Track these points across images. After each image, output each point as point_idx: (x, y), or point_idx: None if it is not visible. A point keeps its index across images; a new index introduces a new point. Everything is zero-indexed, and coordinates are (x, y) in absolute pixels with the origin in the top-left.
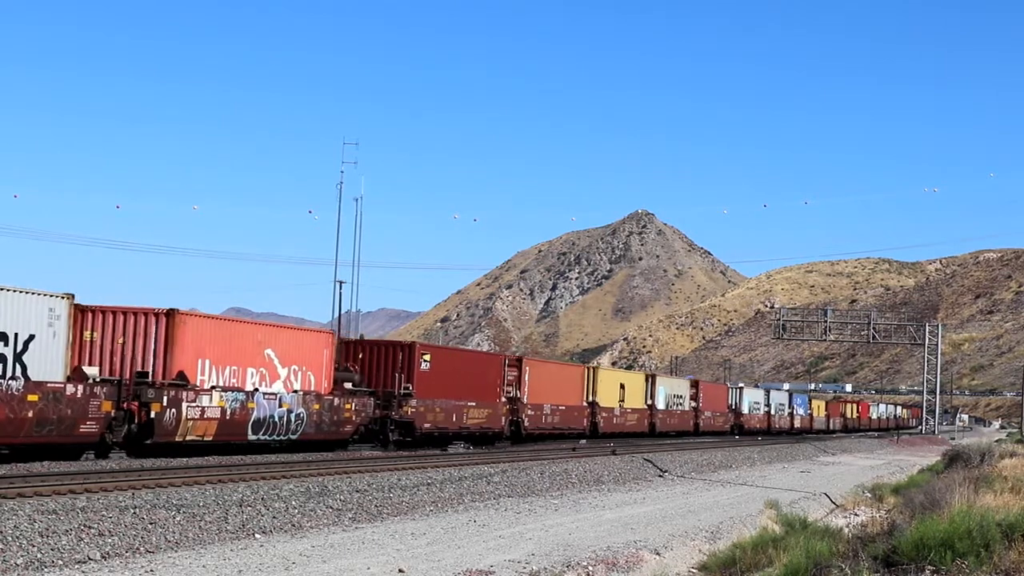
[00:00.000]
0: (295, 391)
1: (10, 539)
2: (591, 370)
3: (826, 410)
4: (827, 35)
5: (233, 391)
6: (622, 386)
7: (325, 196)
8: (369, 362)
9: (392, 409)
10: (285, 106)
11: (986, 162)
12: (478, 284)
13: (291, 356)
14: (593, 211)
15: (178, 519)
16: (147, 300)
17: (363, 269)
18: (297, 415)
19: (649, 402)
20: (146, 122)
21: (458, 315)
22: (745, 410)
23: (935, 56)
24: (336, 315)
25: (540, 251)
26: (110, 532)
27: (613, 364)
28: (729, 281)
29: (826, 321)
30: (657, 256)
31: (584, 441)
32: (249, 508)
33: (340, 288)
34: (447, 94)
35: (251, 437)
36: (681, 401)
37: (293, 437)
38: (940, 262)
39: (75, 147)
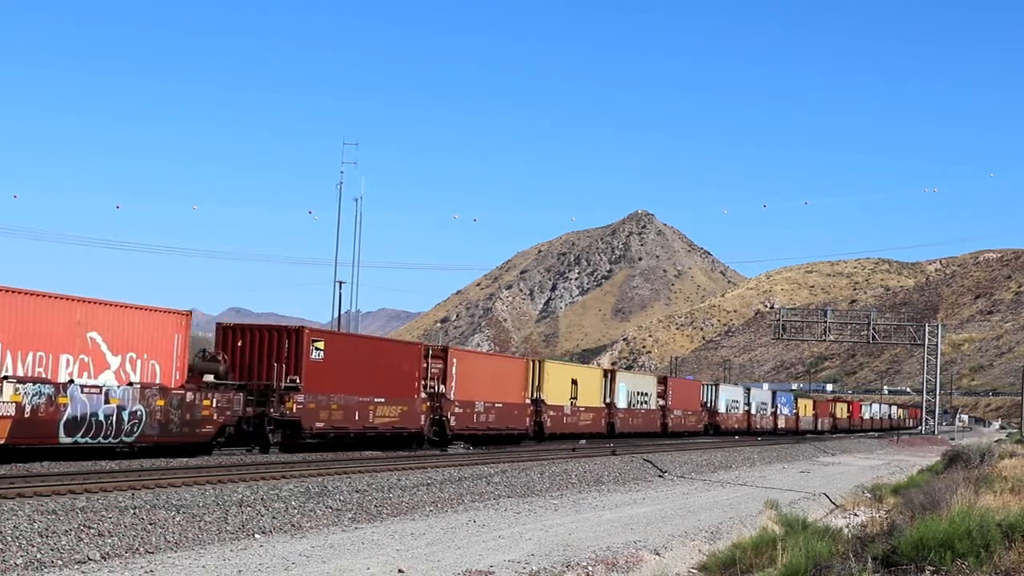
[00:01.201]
0: (131, 383)
1: (10, 539)
2: (535, 363)
3: (814, 410)
4: (827, 35)
5: (36, 382)
6: (574, 382)
7: (325, 196)
8: (250, 351)
9: (271, 406)
10: (285, 106)
11: (986, 162)
12: (478, 284)
13: (126, 341)
14: (593, 211)
15: (178, 519)
16: (147, 300)
17: (363, 269)
18: (132, 413)
19: (608, 400)
20: (146, 122)
21: (458, 315)
22: (722, 409)
23: (935, 56)
24: (336, 315)
25: (540, 251)
26: (110, 532)
27: (613, 364)
28: (729, 281)
29: (826, 321)
30: (657, 256)
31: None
32: (249, 508)
33: (340, 288)
34: (447, 94)
35: (64, 440)
36: (646, 399)
37: (128, 440)
38: (940, 262)
39: (75, 147)
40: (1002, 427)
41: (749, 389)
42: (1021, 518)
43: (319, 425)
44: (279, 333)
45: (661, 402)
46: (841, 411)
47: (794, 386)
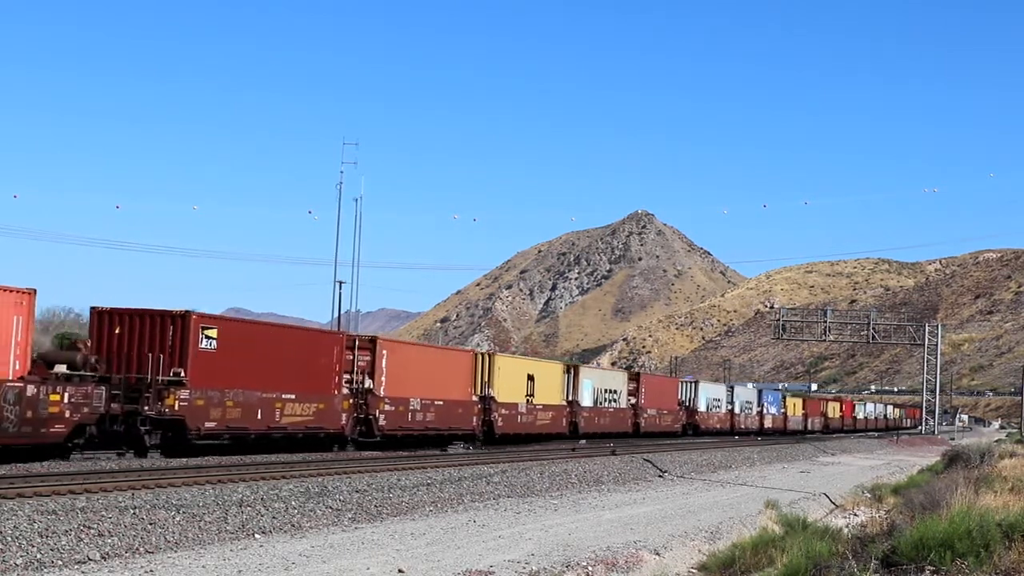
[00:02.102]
0: None
1: (10, 539)
2: (484, 356)
3: (803, 409)
4: (827, 35)
5: None
6: (531, 378)
7: (325, 196)
8: (128, 339)
9: (145, 402)
10: (285, 106)
11: (986, 162)
12: (478, 284)
13: None
14: (593, 211)
15: (178, 519)
16: (147, 300)
17: (363, 269)
18: None
19: (570, 397)
20: (146, 122)
21: (458, 315)
22: (702, 407)
23: (935, 56)
24: (336, 315)
25: (540, 251)
26: (110, 532)
27: (613, 364)
28: (729, 281)
29: (826, 321)
30: (657, 256)
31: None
32: (249, 508)
33: (340, 288)
34: (447, 94)
35: None
36: (615, 397)
37: None
38: (940, 262)
39: (75, 147)
40: (1002, 427)
41: (732, 387)
42: (1021, 518)
43: (210, 425)
44: (161, 319)
45: (632, 400)
46: (833, 410)
47: (788, 385)
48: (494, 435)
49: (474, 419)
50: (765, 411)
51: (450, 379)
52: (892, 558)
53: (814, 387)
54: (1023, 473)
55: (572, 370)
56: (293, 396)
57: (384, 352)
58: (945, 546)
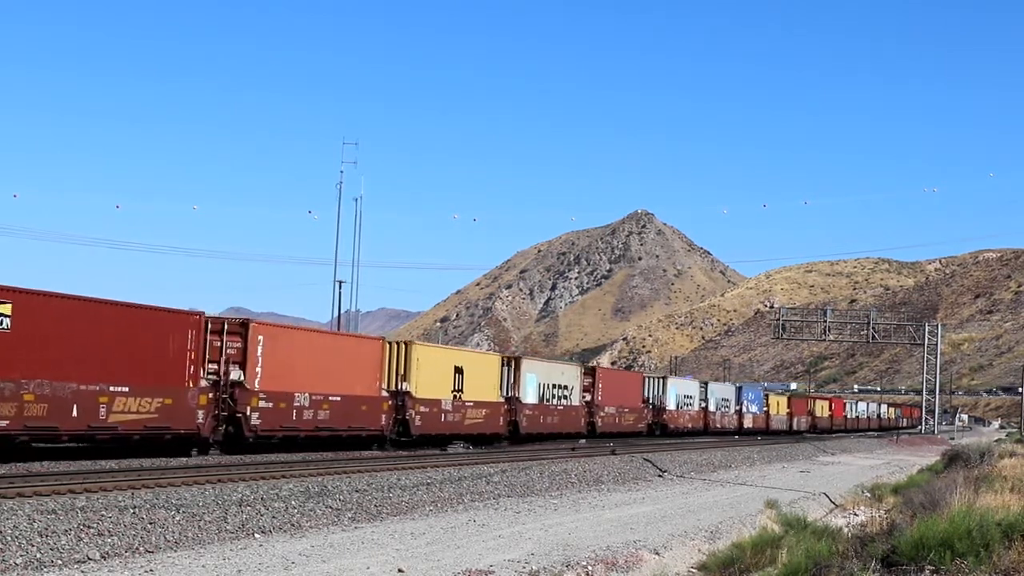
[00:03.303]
0: None
1: (9, 539)
2: (397, 345)
3: (788, 407)
4: (827, 35)
5: None
6: (459, 370)
7: (325, 196)
8: None
9: None
10: (285, 106)
11: (986, 162)
12: (478, 284)
13: None
14: (593, 211)
15: (178, 519)
16: (147, 300)
17: (363, 269)
18: None
19: (510, 393)
20: (146, 122)
21: (458, 315)
22: (671, 405)
23: (935, 56)
24: (336, 315)
25: (540, 251)
26: (109, 532)
27: (613, 364)
28: (729, 281)
29: (826, 321)
30: (657, 256)
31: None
32: (249, 508)
33: (340, 288)
34: (447, 94)
35: None
36: (566, 393)
37: None
38: (940, 262)
39: (75, 147)
40: (1002, 427)
41: (707, 384)
42: (1021, 518)
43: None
44: None
45: (587, 397)
46: (821, 409)
47: (793, 386)
48: (410, 434)
49: (383, 417)
50: (745, 409)
51: (352, 371)
52: (892, 558)
53: (793, 385)
54: (1023, 473)
55: (512, 362)
56: (126, 389)
57: (260, 338)
58: (945, 546)
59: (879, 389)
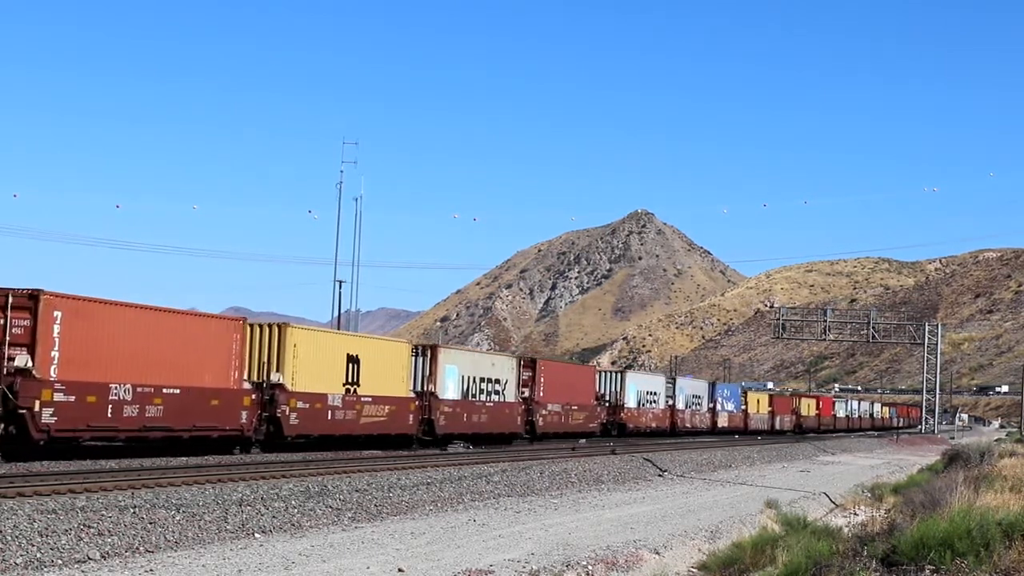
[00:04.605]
0: None
1: (10, 539)
2: (267, 329)
3: (770, 406)
4: (827, 35)
5: None
6: (353, 359)
7: (325, 196)
8: None
9: None
10: (285, 106)
11: (986, 162)
12: (478, 284)
13: None
14: (593, 211)
15: (178, 519)
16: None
17: (363, 269)
18: None
19: (422, 387)
20: (146, 122)
21: (458, 315)
22: (630, 403)
23: (935, 56)
24: (336, 315)
25: (540, 251)
26: (109, 532)
27: (613, 364)
28: (729, 281)
29: (826, 321)
30: (657, 256)
31: (239, 450)
32: (249, 508)
33: (340, 288)
34: (447, 94)
35: None
36: (498, 388)
37: None
38: (940, 262)
39: (75, 147)
40: (1002, 426)
41: (675, 379)
42: (1021, 517)
43: None
44: None
45: (525, 392)
46: (807, 408)
47: (770, 384)
48: (282, 435)
49: (244, 415)
50: (719, 407)
51: (199, 359)
52: (892, 557)
53: (772, 386)
54: (1023, 472)
55: (428, 352)
56: None
57: (57, 314)
58: (945, 545)
59: (879, 389)
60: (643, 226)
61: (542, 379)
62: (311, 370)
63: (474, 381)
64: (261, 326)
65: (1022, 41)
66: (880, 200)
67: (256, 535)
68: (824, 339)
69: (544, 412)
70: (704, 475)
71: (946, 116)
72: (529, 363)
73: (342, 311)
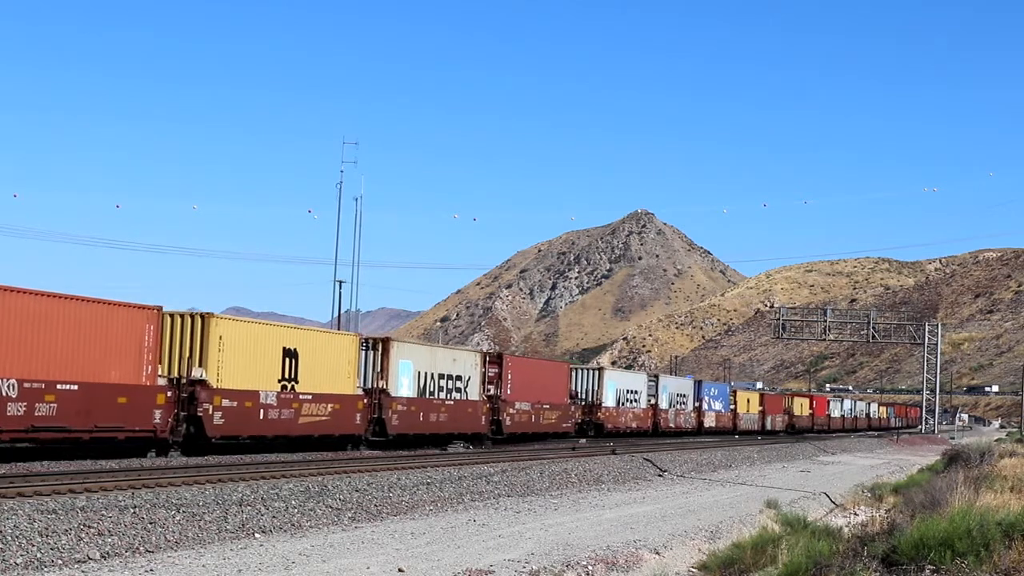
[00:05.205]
0: None
1: (10, 539)
2: (187, 318)
3: (760, 405)
4: (827, 35)
5: None
6: (290, 354)
7: (325, 196)
8: None
9: None
10: (285, 105)
11: (986, 162)
12: (478, 284)
13: None
14: (593, 211)
15: (178, 519)
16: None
17: (363, 269)
18: None
19: (372, 384)
20: (146, 121)
21: (458, 315)
22: (608, 402)
23: (935, 56)
24: (336, 315)
25: (540, 251)
26: (110, 532)
27: (613, 363)
28: (729, 281)
29: (826, 321)
30: (657, 256)
31: (154, 453)
32: (249, 508)
33: (340, 288)
34: (447, 94)
35: None
36: (460, 386)
37: None
38: (940, 262)
39: (75, 147)
40: (1002, 426)
41: (657, 377)
42: (1021, 517)
43: None
44: None
45: (491, 390)
46: (800, 407)
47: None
48: (204, 436)
49: (158, 415)
50: (706, 407)
51: (103, 352)
52: (892, 557)
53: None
54: (1023, 472)
55: (379, 346)
56: None
57: None
58: (945, 545)
59: (880, 389)
60: (643, 226)
61: (509, 376)
62: (240, 365)
63: (432, 378)
64: (182, 316)
65: (1022, 41)
66: (880, 200)
67: (256, 535)
68: (824, 339)
69: (512, 411)
70: (704, 475)
71: (946, 116)
72: (495, 359)
73: (342, 311)
